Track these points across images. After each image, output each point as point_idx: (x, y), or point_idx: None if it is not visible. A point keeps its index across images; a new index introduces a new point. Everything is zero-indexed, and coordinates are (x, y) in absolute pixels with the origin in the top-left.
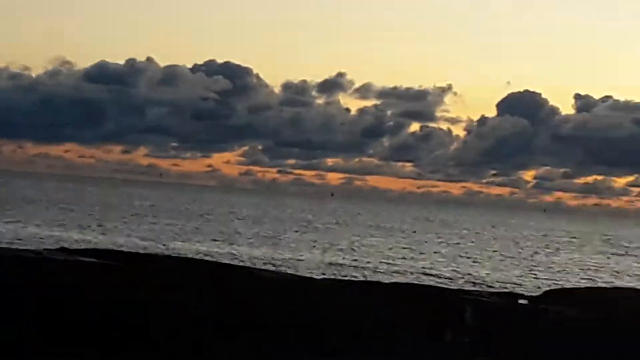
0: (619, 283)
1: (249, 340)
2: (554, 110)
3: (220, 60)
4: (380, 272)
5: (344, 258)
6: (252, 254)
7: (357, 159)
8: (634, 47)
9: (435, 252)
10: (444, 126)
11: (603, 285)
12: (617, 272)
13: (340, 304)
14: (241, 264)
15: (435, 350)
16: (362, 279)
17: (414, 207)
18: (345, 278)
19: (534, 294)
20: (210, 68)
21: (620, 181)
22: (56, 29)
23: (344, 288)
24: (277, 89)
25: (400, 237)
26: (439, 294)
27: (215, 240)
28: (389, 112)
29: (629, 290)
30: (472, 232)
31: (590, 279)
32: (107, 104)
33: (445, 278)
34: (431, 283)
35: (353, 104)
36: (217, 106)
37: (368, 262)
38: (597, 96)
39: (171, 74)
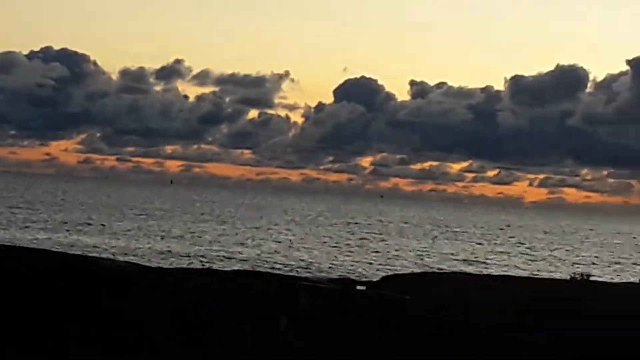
0: (450, 267)
1: (83, 332)
2: (390, 97)
3: (57, 47)
4: (216, 259)
5: (178, 245)
6: (87, 242)
7: (195, 146)
8: (467, 33)
9: (271, 239)
10: (282, 113)
11: (436, 270)
12: (449, 255)
13: (180, 292)
14: (74, 252)
15: (272, 337)
16: (199, 266)
17: (252, 194)
18: (182, 266)
19: (371, 280)
20: (47, 55)
21: (455, 167)
22: None
23: (182, 276)
24: (114, 76)
25: (237, 225)
26: (275, 281)
27: (49, 229)
28: (227, 99)
29: (460, 274)
30: (309, 218)
31: (424, 263)
32: None
33: (282, 265)
34: (267, 270)
35: (191, 90)
36: (55, 93)
37: (205, 250)
38: (431, 82)
39: (7, 61)
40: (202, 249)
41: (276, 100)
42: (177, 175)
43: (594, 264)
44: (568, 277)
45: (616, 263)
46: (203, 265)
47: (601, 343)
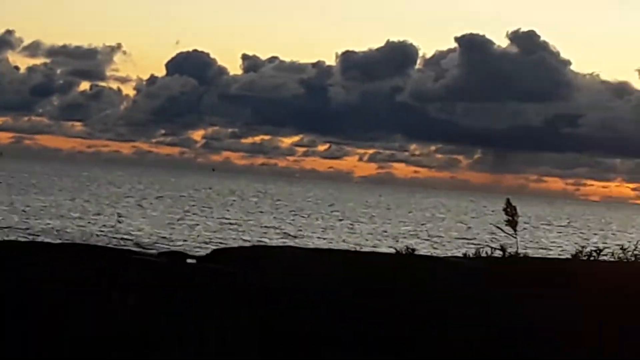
0: (276, 240)
1: None
2: (222, 71)
3: None
4: (43, 232)
5: (3, 218)
6: None
7: (26, 118)
8: (299, 8)
9: (100, 212)
10: (114, 85)
11: (265, 243)
12: (276, 229)
13: (13, 267)
14: None
15: (101, 312)
16: (28, 239)
17: (83, 167)
18: (10, 239)
19: (201, 253)
20: None
21: (287, 141)
22: None
23: (11, 250)
24: None
25: (66, 197)
26: (104, 254)
27: None
28: (58, 71)
29: (289, 247)
30: (139, 191)
31: (253, 237)
32: None
33: (111, 238)
34: (96, 243)
35: (22, 62)
36: None
37: (31, 222)
38: (263, 57)
39: None
40: (28, 221)
41: (108, 73)
42: (7, 147)
43: (417, 237)
44: (394, 251)
45: (438, 236)
46: (28, 238)
47: (438, 314)
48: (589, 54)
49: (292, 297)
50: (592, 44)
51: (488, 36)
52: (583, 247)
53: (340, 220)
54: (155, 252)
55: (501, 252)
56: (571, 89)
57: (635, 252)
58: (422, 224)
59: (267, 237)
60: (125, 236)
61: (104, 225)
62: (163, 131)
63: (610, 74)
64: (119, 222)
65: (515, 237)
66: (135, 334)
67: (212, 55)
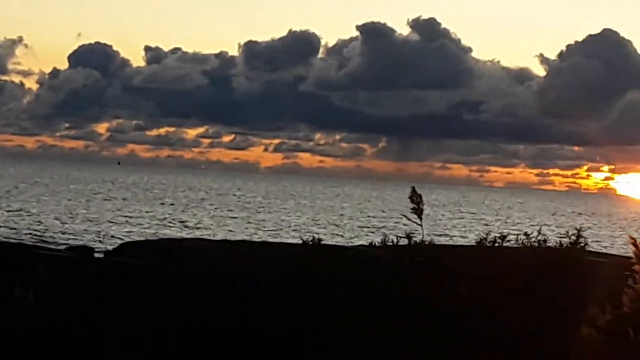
0: (179, 233)
1: None
2: (125, 62)
3: None
4: None
5: None
6: None
7: None
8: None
9: (2, 208)
10: (16, 79)
11: (171, 236)
12: (182, 222)
13: None
14: None
15: (8, 308)
16: None
17: None
18: None
19: (105, 247)
20: None
21: (191, 132)
22: None
23: None
24: None
25: None
26: (9, 250)
27: None
28: None
29: (197, 240)
30: (41, 185)
31: (159, 230)
32: None
33: (13, 232)
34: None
35: None
36: None
37: None
38: (166, 48)
39: None
40: None
41: (10, 67)
42: None
43: (321, 226)
44: (300, 241)
45: (335, 225)
46: None
47: (350, 305)
48: (490, 40)
49: (209, 289)
50: (492, 31)
51: (389, 24)
52: (487, 233)
53: (243, 210)
54: (62, 247)
55: (407, 240)
56: (472, 75)
57: (539, 238)
58: (327, 213)
59: (168, 230)
60: (27, 231)
61: (5, 221)
62: (67, 125)
63: (510, 61)
64: None
65: (420, 225)
66: (53, 332)
67: (114, 47)
